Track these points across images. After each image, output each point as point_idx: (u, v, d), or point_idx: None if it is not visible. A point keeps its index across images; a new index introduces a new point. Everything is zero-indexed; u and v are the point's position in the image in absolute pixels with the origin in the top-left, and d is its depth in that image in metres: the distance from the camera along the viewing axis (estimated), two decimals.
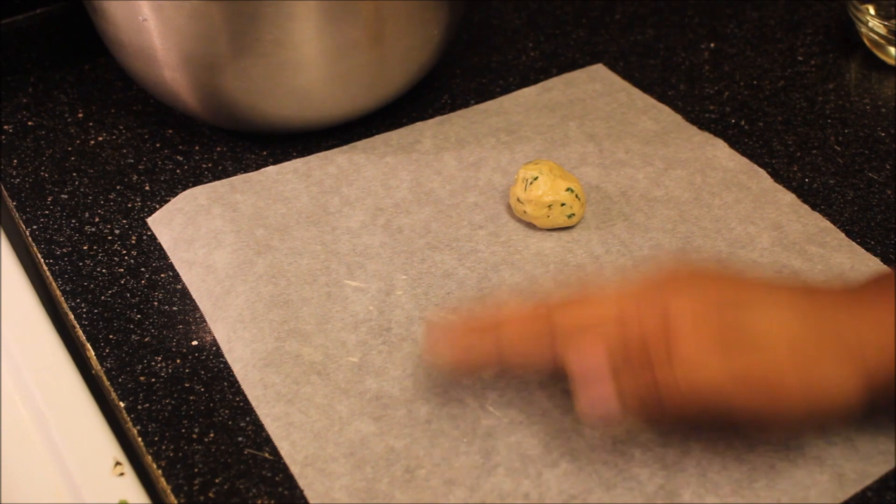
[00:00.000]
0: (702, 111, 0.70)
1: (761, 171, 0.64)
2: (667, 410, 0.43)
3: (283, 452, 0.48)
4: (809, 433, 0.48)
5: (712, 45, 0.78)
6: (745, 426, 0.47)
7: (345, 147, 0.67)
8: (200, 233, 0.60)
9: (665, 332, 0.43)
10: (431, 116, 0.70)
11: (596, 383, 0.43)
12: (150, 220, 0.62)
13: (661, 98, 0.72)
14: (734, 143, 0.67)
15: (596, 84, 0.73)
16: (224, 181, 0.64)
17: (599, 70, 0.75)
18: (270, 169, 0.65)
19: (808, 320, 0.43)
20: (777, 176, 0.64)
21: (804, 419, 0.45)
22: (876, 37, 0.73)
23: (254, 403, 0.50)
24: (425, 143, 0.68)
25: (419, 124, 0.70)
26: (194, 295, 0.57)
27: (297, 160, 0.66)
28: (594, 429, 0.48)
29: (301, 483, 0.47)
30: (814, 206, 0.61)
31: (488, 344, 0.46)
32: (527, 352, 0.46)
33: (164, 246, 0.60)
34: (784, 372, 0.42)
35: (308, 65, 0.61)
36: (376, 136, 0.68)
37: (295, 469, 0.47)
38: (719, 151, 0.66)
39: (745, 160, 0.65)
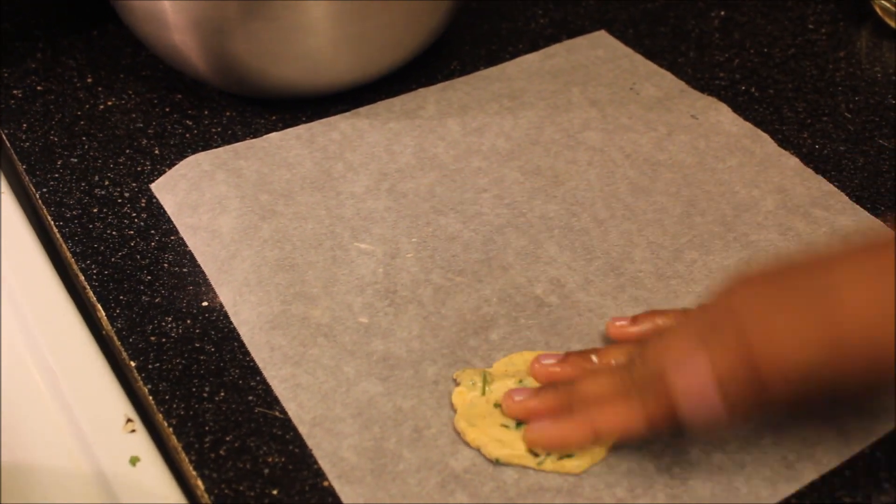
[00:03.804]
0: (711, 78, 0.70)
1: (765, 136, 0.64)
2: (772, 399, 0.42)
3: (290, 413, 0.48)
4: None
5: (722, 13, 0.78)
6: (848, 396, 0.45)
7: (347, 113, 0.67)
8: (205, 198, 0.60)
9: (742, 327, 0.42)
10: (440, 83, 0.70)
11: (699, 396, 0.42)
12: (153, 186, 0.62)
13: (672, 65, 0.71)
14: (744, 110, 0.67)
15: (598, 50, 0.73)
16: (227, 147, 0.64)
17: (602, 37, 0.75)
18: (273, 135, 0.65)
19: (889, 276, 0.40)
20: (787, 142, 0.64)
21: None
22: (887, 4, 0.73)
23: (261, 366, 0.51)
24: (428, 109, 0.68)
25: (422, 90, 0.69)
26: (199, 259, 0.57)
27: (300, 126, 0.66)
28: (704, 439, 0.46)
29: (310, 443, 0.47)
30: (824, 172, 0.61)
31: (582, 433, 0.46)
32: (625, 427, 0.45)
33: (168, 212, 0.60)
34: (878, 332, 0.40)
35: (317, 28, 0.61)
36: (379, 103, 0.68)
37: (303, 429, 0.48)
38: (722, 116, 0.66)
39: (748, 125, 0.65)
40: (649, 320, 0.50)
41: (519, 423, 0.47)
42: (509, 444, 0.46)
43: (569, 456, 0.46)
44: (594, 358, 0.48)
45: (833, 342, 0.41)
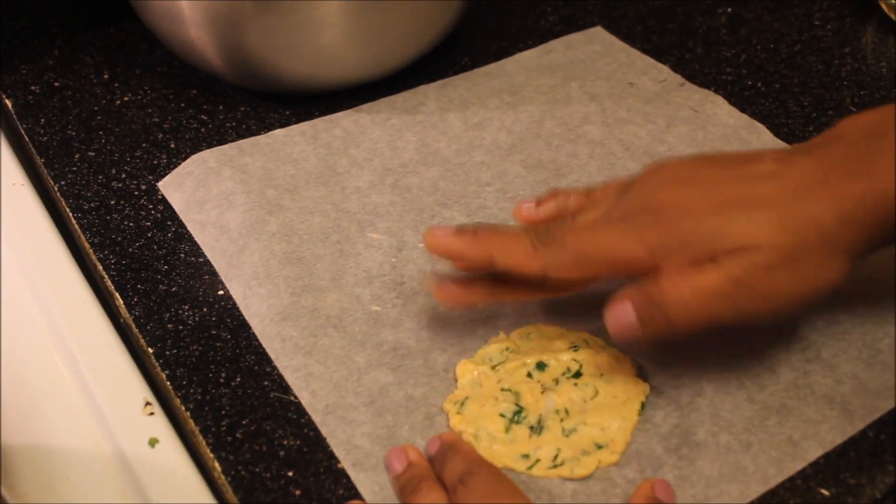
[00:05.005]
0: (718, 73, 0.71)
1: (761, 127, 0.65)
2: (672, 321, 0.44)
3: (303, 402, 0.49)
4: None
5: (729, 9, 0.79)
6: (738, 324, 0.46)
7: (350, 110, 0.68)
8: (211, 195, 0.61)
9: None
10: (440, 80, 0.71)
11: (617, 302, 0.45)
12: (160, 185, 0.63)
13: (679, 60, 0.72)
14: (750, 104, 0.67)
15: (595, 46, 0.74)
16: (232, 144, 0.65)
17: (598, 32, 0.76)
18: (278, 132, 0.66)
19: (783, 219, 0.43)
20: (792, 135, 0.65)
21: (795, 310, 0.45)
22: (893, 1, 0.74)
23: (272, 356, 0.51)
24: (429, 105, 0.69)
25: (422, 87, 0.70)
26: (208, 255, 0.58)
27: (304, 123, 0.67)
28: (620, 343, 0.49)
29: (323, 431, 0.48)
30: None
31: (478, 250, 0.48)
32: (518, 261, 0.47)
33: (176, 209, 0.61)
34: (775, 275, 0.42)
35: (331, 23, 0.62)
36: (380, 100, 0.69)
37: (316, 417, 0.48)
38: (719, 108, 0.67)
39: (744, 116, 0.66)
40: (553, 199, 0.52)
41: (515, 416, 0.47)
42: (500, 439, 0.46)
43: (560, 464, 0.45)
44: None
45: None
